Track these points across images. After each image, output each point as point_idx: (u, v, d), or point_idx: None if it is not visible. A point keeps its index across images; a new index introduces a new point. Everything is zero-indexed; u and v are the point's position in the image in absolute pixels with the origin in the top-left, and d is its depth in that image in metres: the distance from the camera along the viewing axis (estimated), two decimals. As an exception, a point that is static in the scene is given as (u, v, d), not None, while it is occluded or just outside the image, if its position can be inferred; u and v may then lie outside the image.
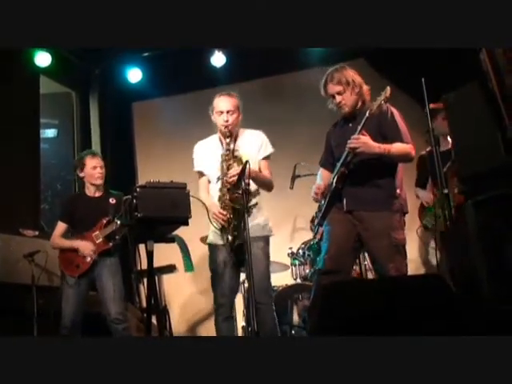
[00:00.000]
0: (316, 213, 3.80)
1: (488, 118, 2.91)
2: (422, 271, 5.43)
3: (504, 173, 2.89)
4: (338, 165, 3.45)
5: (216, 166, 3.75)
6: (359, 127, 3.32)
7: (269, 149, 3.84)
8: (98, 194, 4.46)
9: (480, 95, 2.96)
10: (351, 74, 3.51)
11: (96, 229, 4.29)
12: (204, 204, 3.61)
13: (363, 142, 3.31)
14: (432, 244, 4.95)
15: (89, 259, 4.23)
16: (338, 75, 3.48)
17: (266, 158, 3.83)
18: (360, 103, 3.53)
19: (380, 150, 3.35)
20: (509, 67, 2.80)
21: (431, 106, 3.48)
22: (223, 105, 3.73)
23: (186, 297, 6.22)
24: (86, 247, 4.24)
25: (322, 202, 3.61)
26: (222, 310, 3.71)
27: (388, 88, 3.25)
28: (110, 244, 4.28)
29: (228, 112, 3.71)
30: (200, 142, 3.94)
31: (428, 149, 4.37)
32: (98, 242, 4.26)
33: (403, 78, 5.16)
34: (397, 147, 3.39)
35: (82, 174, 4.46)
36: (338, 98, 3.49)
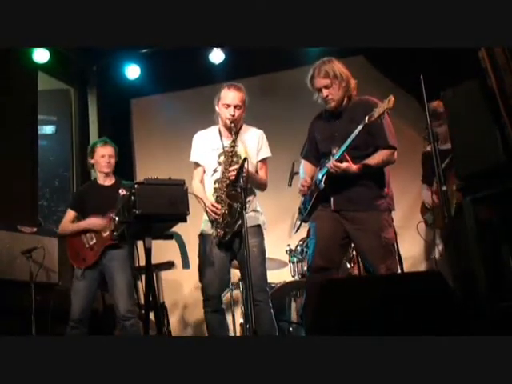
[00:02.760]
0: (299, 208, 3.77)
1: (487, 116, 2.91)
2: (420, 267, 5.44)
3: (502, 170, 2.89)
4: (327, 165, 3.40)
5: (213, 157, 3.73)
6: (353, 135, 3.25)
7: (267, 152, 3.82)
8: (108, 183, 4.45)
9: (479, 93, 2.96)
10: (339, 67, 3.44)
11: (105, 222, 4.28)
12: (201, 199, 3.60)
13: (342, 170, 3.30)
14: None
15: (95, 250, 4.22)
16: (326, 68, 3.42)
17: (264, 159, 3.81)
18: (346, 98, 3.48)
19: (359, 170, 3.35)
20: (507, 65, 2.80)
21: (433, 104, 3.45)
22: (232, 98, 3.67)
23: (184, 293, 6.22)
24: (96, 223, 4.23)
25: (307, 197, 3.60)
26: (210, 303, 3.68)
27: (392, 97, 3.13)
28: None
29: (236, 106, 3.66)
30: (200, 131, 3.90)
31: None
32: (104, 235, 4.24)
33: (403, 75, 5.15)
34: (375, 160, 3.39)
35: (92, 161, 4.47)
36: (325, 92, 3.44)
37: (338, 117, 3.51)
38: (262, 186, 3.82)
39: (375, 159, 3.39)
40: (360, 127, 3.23)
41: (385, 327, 2.28)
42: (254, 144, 3.78)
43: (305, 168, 3.74)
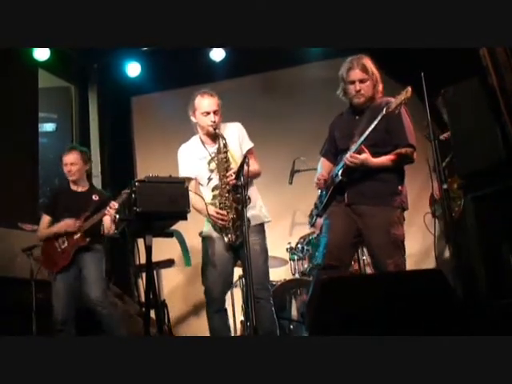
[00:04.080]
0: (315, 203, 3.78)
1: (487, 114, 2.92)
2: (423, 264, 5.45)
3: (503, 168, 2.89)
4: (344, 158, 3.39)
5: (203, 167, 3.72)
6: (371, 127, 3.26)
7: (249, 142, 3.80)
8: (80, 189, 4.49)
9: (479, 90, 2.96)
10: (374, 66, 3.48)
11: None
12: (203, 199, 3.60)
13: (361, 161, 3.31)
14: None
15: (67, 251, 4.26)
16: (364, 62, 3.44)
17: (249, 150, 3.76)
18: (371, 98, 3.49)
19: (377, 165, 3.35)
20: (508, 63, 2.80)
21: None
22: (208, 105, 3.66)
23: (184, 291, 6.22)
24: (68, 225, 4.26)
25: (323, 192, 3.60)
26: (214, 303, 3.68)
27: (409, 88, 3.14)
28: (87, 240, 4.28)
29: (214, 112, 3.66)
30: (182, 145, 3.88)
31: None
32: (75, 237, 4.27)
33: (404, 73, 5.14)
34: (395, 157, 3.39)
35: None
36: (358, 86, 3.44)
37: (358, 115, 3.52)
38: (258, 175, 3.81)
39: (392, 158, 3.39)
40: (378, 118, 3.24)
41: (385, 325, 2.29)
42: (235, 139, 3.76)
43: (323, 165, 3.74)
